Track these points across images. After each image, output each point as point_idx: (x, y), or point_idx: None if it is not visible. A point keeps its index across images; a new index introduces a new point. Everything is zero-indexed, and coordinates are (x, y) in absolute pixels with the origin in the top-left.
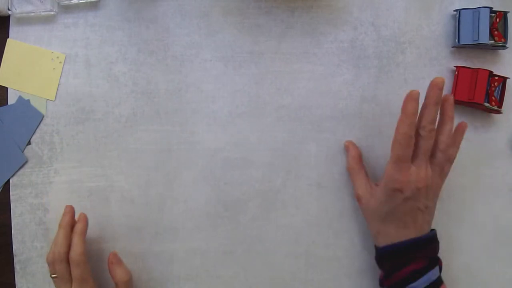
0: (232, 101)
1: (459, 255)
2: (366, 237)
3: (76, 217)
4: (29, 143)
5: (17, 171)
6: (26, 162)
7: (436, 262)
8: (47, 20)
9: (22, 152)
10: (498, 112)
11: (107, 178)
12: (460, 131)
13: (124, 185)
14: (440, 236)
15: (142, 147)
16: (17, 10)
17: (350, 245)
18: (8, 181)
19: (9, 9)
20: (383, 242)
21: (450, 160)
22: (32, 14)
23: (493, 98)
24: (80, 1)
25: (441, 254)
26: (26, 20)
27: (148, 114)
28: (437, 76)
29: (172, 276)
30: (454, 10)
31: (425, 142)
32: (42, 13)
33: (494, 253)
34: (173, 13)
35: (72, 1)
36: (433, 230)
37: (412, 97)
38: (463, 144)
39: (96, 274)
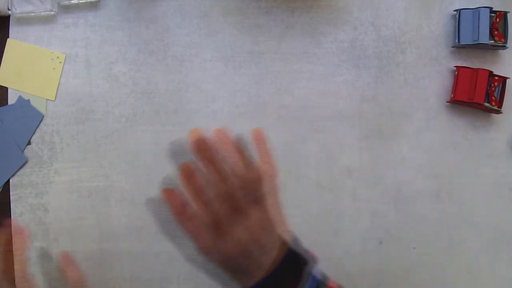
0: (232, 101)
1: (459, 255)
2: (366, 237)
3: None
4: (29, 143)
5: (17, 171)
6: (26, 162)
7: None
8: (47, 20)
9: (22, 152)
10: (498, 112)
11: (107, 178)
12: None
13: (124, 185)
14: (440, 236)
15: (142, 147)
16: (17, 10)
17: (350, 245)
18: (8, 181)
19: (9, 9)
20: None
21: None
22: (32, 14)
23: (493, 98)
24: (80, 1)
25: (441, 254)
26: (26, 20)
27: (148, 114)
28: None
29: (172, 276)
30: (454, 10)
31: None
32: (42, 13)
33: (494, 253)
34: (173, 13)
35: (72, 1)
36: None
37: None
38: (463, 144)
39: (97, 274)
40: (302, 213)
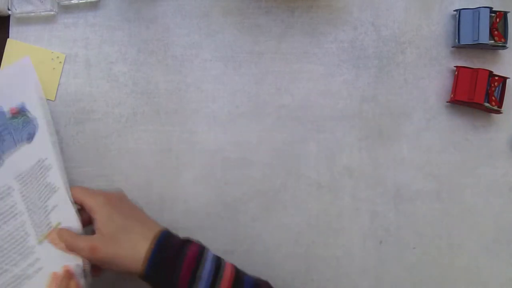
0: (232, 101)
1: (459, 255)
2: (366, 237)
3: None
4: None
5: None
6: None
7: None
8: (47, 20)
9: None
10: (498, 112)
11: (107, 178)
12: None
13: (124, 185)
14: (440, 236)
15: (142, 147)
16: (17, 10)
17: (350, 245)
18: None
19: (9, 9)
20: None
21: None
22: (32, 14)
23: (493, 98)
24: (80, 1)
25: (441, 254)
26: (26, 20)
27: (148, 114)
28: None
29: None
30: (454, 10)
31: None
32: (42, 13)
33: (494, 253)
34: (173, 13)
35: (72, 1)
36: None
37: None
38: (463, 144)
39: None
40: (302, 213)
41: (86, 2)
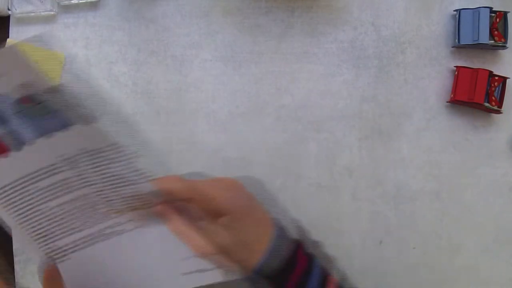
0: (232, 101)
1: (459, 255)
2: (366, 237)
3: None
4: None
5: None
6: None
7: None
8: (47, 20)
9: None
10: (498, 112)
11: None
12: None
13: None
14: (440, 236)
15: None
16: (17, 10)
17: (350, 245)
18: None
19: (9, 9)
20: None
21: None
22: (32, 14)
23: (493, 98)
24: (80, 1)
25: (441, 254)
26: (26, 20)
27: (148, 114)
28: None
29: None
30: (454, 10)
31: None
32: (42, 13)
33: (494, 253)
34: (173, 13)
35: (72, 1)
36: None
37: None
38: (463, 144)
39: None
40: (302, 213)
41: (86, 2)
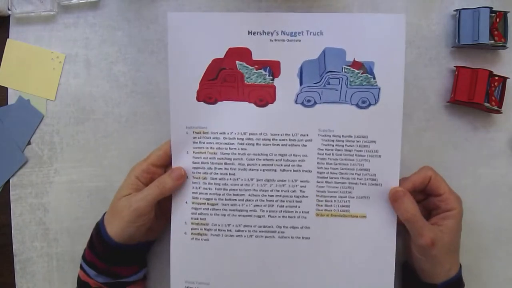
0: None
1: (459, 255)
2: None
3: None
4: (29, 143)
5: (17, 171)
6: (26, 162)
7: None
8: (47, 20)
9: (22, 152)
10: (498, 112)
11: (107, 178)
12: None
13: None
14: None
15: (142, 147)
16: (17, 10)
17: None
18: (8, 181)
19: (9, 9)
20: (455, 270)
21: None
22: (32, 14)
23: (493, 98)
24: (80, 1)
25: None
26: (26, 20)
27: (148, 114)
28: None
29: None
30: (454, 10)
31: None
32: (42, 13)
33: (494, 253)
34: None
35: (72, 1)
36: None
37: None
38: (463, 144)
39: None
40: None
41: (86, 2)
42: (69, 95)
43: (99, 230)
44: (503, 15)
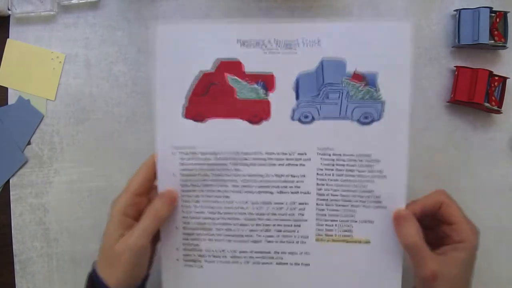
0: None
1: None
2: None
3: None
4: (29, 143)
5: (17, 171)
6: (26, 162)
7: None
8: (47, 20)
9: (22, 152)
10: (498, 112)
11: (107, 178)
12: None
13: (124, 185)
14: None
15: (142, 147)
16: (17, 10)
17: None
18: (8, 181)
19: (9, 9)
20: None
21: None
22: (32, 14)
23: (493, 98)
24: (80, 1)
25: None
26: (26, 20)
27: (148, 114)
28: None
29: None
30: (454, 10)
31: None
32: (42, 13)
33: (494, 253)
34: (173, 13)
35: (72, 1)
36: None
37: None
38: (463, 144)
39: None
40: None
41: (86, 2)
42: (69, 95)
43: (96, 283)
44: (503, 15)
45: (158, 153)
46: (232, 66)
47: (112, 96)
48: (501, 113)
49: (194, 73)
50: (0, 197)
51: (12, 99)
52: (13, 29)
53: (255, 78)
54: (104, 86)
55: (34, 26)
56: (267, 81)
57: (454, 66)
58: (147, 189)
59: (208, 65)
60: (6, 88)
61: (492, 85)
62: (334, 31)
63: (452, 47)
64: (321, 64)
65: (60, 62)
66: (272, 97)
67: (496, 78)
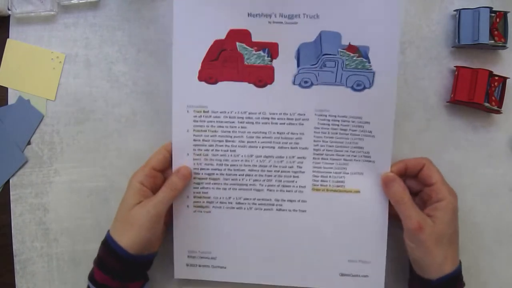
0: None
1: (459, 255)
2: None
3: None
4: (29, 143)
5: (17, 171)
6: (26, 162)
7: None
8: (47, 20)
9: (22, 152)
10: (498, 112)
11: (107, 178)
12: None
13: (124, 185)
14: None
15: (142, 147)
16: (17, 10)
17: None
18: (8, 181)
19: (9, 9)
20: (450, 267)
21: None
22: (32, 14)
23: (493, 98)
24: (80, 1)
25: None
26: (26, 20)
27: (148, 114)
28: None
29: (172, 277)
30: (454, 10)
31: None
32: (42, 13)
33: (494, 253)
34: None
35: (72, 1)
36: None
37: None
38: (463, 144)
39: None
40: None
41: (86, 2)
42: (69, 95)
43: (109, 246)
44: (503, 15)
45: (174, 111)
46: (241, 34)
47: (112, 96)
48: (501, 113)
49: (208, 40)
50: (0, 197)
51: (12, 99)
52: (13, 29)
53: (261, 45)
54: (104, 86)
55: (34, 26)
56: (271, 49)
57: (454, 66)
58: (164, 167)
59: (220, 34)
60: (6, 88)
61: (492, 85)
62: (331, 6)
63: (452, 47)
64: (320, 36)
65: (60, 62)
66: (275, 63)
67: (496, 78)
